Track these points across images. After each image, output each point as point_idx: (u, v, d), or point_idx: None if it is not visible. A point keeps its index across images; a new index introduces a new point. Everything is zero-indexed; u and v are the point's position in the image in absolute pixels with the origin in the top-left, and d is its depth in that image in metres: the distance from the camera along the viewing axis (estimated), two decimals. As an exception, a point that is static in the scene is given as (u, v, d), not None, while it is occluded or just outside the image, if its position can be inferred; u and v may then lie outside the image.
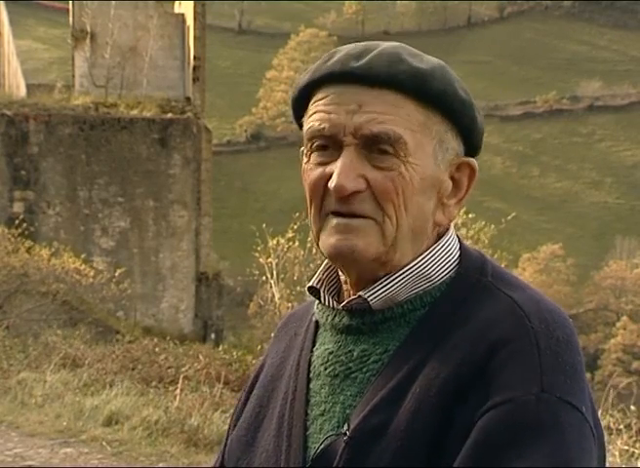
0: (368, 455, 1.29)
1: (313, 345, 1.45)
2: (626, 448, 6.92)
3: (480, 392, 1.25)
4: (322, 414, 1.38)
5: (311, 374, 1.42)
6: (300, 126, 1.42)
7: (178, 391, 9.58)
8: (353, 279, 1.39)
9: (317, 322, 1.46)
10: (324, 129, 1.34)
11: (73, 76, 29.66)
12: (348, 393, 1.37)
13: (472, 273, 1.38)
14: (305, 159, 1.39)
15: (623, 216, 74.12)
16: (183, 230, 25.67)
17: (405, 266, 1.37)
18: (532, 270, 59.72)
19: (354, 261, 1.35)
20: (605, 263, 61.81)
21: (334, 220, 1.34)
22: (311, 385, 1.41)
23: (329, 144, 1.35)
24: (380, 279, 1.37)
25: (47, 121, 24.89)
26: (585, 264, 63.34)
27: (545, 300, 1.35)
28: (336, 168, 1.33)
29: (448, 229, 1.42)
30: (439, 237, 1.40)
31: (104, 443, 8.02)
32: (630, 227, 68.88)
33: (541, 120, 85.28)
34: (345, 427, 1.33)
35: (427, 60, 1.37)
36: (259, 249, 11.88)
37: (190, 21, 28.45)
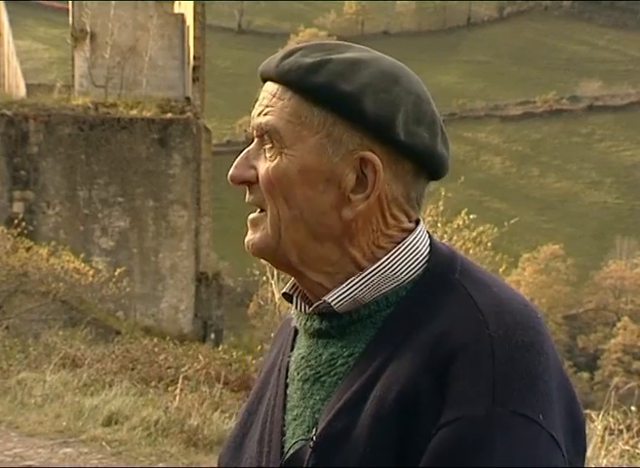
0: (333, 460, 1.28)
1: (292, 350, 1.45)
2: (627, 448, 6.92)
3: (435, 403, 1.24)
4: (295, 419, 1.38)
5: (288, 379, 1.42)
6: None
7: (177, 391, 9.58)
8: (286, 273, 1.41)
9: (296, 327, 1.47)
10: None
11: (73, 76, 29.67)
12: (317, 397, 1.36)
13: (440, 270, 1.36)
14: None
15: (623, 216, 74.16)
16: (183, 230, 25.68)
17: (367, 268, 1.36)
18: (532, 270, 59.76)
19: (257, 256, 1.40)
20: (605, 263, 61.87)
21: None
22: (287, 390, 1.41)
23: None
24: (322, 280, 1.37)
25: (46, 121, 24.90)
26: (585, 264, 63.39)
27: (510, 299, 1.32)
28: None
29: (416, 226, 1.40)
30: (405, 235, 1.38)
31: (104, 443, 8.02)
32: (630, 227, 68.93)
33: (541, 120, 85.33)
34: (314, 432, 1.32)
35: (324, 55, 1.35)
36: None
37: (190, 21, 28.46)
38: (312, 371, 1.38)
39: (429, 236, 1.42)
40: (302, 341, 1.43)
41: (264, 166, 1.35)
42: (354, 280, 1.36)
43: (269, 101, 1.36)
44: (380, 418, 1.26)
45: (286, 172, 1.34)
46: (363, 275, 1.36)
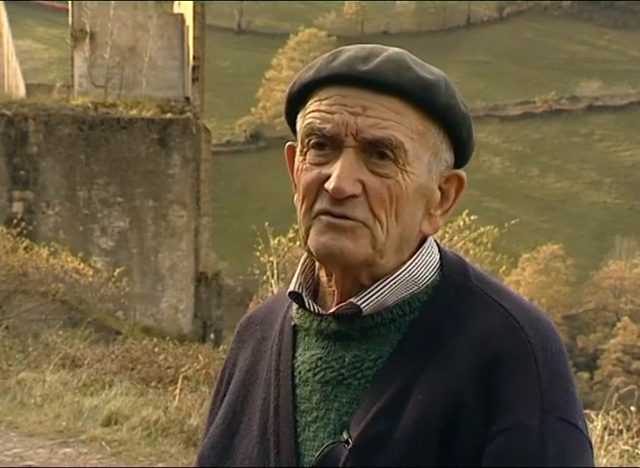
0: (373, 462, 1.29)
1: (294, 350, 1.43)
2: (627, 448, 6.92)
3: (484, 407, 1.28)
4: (315, 421, 1.37)
5: (296, 380, 1.41)
6: (291, 122, 1.42)
7: (177, 391, 9.58)
8: (338, 278, 1.38)
9: (294, 326, 1.45)
10: (325, 128, 1.33)
11: (72, 76, 29.65)
12: (343, 400, 1.36)
13: (456, 276, 1.39)
14: (300, 158, 1.38)
15: (623, 216, 74.14)
16: (183, 230, 25.67)
17: (394, 272, 1.37)
18: (531, 270, 59.76)
19: (342, 262, 1.34)
20: (604, 263, 61.86)
21: (325, 219, 1.33)
22: (298, 391, 1.40)
23: (327, 143, 1.34)
24: (366, 283, 1.37)
25: (46, 121, 24.88)
26: (585, 264, 63.38)
27: (531, 307, 1.37)
28: (335, 169, 1.32)
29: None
30: (421, 241, 1.41)
31: (104, 443, 8.01)
32: (630, 227, 68.91)
33: (541, 120, 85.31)
34: (345, 434, 1.32)
35: (432, 71, 1.37)
36: (259, 248, 11.87)
37: (190, 21, 28.44)
38: (334, 373, 1.37)
39: (436, 242, 1.45)
40: (313, 342, 1.41)
41: (378, 181, 1.32)
42: (383, 283, 1.37)
43: (386, 114, 1.32)
44: (425, 422, 1.28)
45: (406, 189, 1.33)
46: (391, 278, 1.37)
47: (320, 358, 1.39)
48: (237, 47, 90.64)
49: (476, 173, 74.16)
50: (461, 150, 1.39)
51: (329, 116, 1.33)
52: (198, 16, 28.17)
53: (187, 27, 28.80)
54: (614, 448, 6.86)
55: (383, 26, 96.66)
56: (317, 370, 1.39)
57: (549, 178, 79.48)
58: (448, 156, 1.38)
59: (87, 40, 28.80)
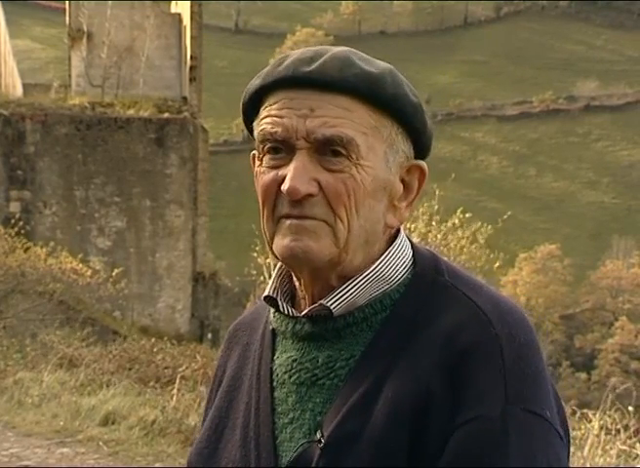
0: (344, 461, 1.30)
1: (273, 354, 1.44)
2: (624, 448, 6.91)
3: (448, 402, 1.28)
4: (291, 422, 1.38)
5: (274, 383, 1.42)
6: (250, 130, 1.43)
7: (175, 391, 9.58)
8: (307, 281, 1.38)
9: (273, 330, 1.46)
10: (276, 133, 1.34)
11: (70, 76, 29.63)
12: (317, 400, 1.37)
13: (428, 272, 1.40)
14: (258, 162, 1.39)
15: (620, 216, 74.19)
16: (180, 230, 25.66)
17: (364, 271, 1.37)
18: (529, 270, 59.77)
19: (308, 263, 1.34)
20: (602, 263, 61.86)
21: (287, 222, 1.33)
22: (275, 394, 1.41)
23: (281, 147, 1.35)
24: (335, 284, 1.37)
25: (43, 121, 24.87)
26: (582, 264, 63.40)
27: (503, 300, 1.37)
28: (289, 171, 1.33)
29: (399, 229, 1.43)
30: (391, 238, 1.41)
31: (101, 443, 8.01)
32: (627, 227, 68.96)
33: (538, 120, 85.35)
34: (319, 434, 1.33)
35: (377, 65, 1.38)
36: (257, 249, 11.87)
37: (187, 21, 28.43)
38: (308, 374, 1.38)
39: (408, 238, 1.45)
40: (289, 345, 1.42)
41: (333, 177, 1.33)
42: (352, 283, 1.37)
43: (334, 112, 1.33)
44: (394, 419, 1.29)
45: (363, 183, 1.34)
46: (360, 278, 1.38)
47: (295, 360, 1.40)
48: (235, 47, 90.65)
49: (473, 172, 74.20)
50: (418, 140, 1.40)
51: (279, 120, 1.34)
52: (195, 15, 28.16)
53: (185, 27, 28.79)
54: (611, 448, 6.86)
55: (381, 26, 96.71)
56: (292, 371, 1.40)
57: (547, 178, 79.52)
58: (405, 147, 1.38)
59: (84, 40, 28.79)
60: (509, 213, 12.43)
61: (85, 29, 28.71)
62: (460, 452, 1.25)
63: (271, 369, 1.43)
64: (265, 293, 1.44)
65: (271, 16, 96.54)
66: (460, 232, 12.05)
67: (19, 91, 32.21)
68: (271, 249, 1.38)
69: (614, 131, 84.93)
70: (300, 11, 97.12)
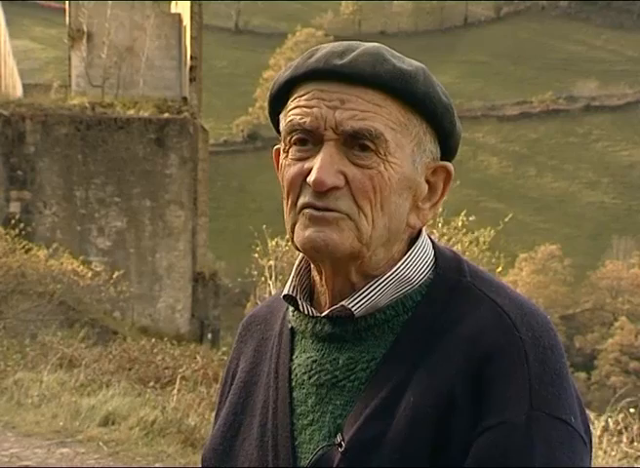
0: (365, 465, 1.28)
1: (292, 353, 1.42)
2: (627, 449, 6.90)
3: (472, 407, 1.26)
4: (310, 424, 1.36)
5: (293, 383, 1.40)
6: (275, 123, 1.42)
7: (175, 391, 9.58)
8: (328, 274, 1.36)
9: (292, 329, 1.44)
10: (305, 122, 1.33)
11: (70, 76, 29.63)
12: (337, 402, 1.35)
13: (450, 273, 1.38)
14: (283, 154, 1.38)
15: (620, 217, 74.19)
16: (180, 230, 25.66)
17: (386, 272, 1.36)
18: (529, 270, 59.79)
19: (329, 254, 1.32)
20: (601, 263, 61.88)
21: (308, 213, 1.32)
22: (294, 394, 1.39)
23: (308, 139, 1.34)
24: (355, 279, 1.36)
25: (43, 121, 24.87)
26: (582, 264, 63.40)
27: (526, 302, 1.36)
28: (315, 162, 1.31)
29: (421, 230, 1.41)
30: (412, 239, 1.39)
31: (101, 443, 8.01)
32: (627, 227, 68.97)
33: (538, 120, 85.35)
34: (339, 437, 1.32)
35: (409, 62, 1.37)
36: (257, 249, 11.85)
37: (187, 21, 28.44)
38: (328, 376, 1.37)
39: (430, 239, 1.43)
40: (309, 345, 1.41)
41: (360, 172, 1.31)
42: (374, 284, 1.36)
43: (364, 106, 1.32)
44: (417, 424, 1.27)
45: (390, 180, 1.32)
46: (382, 279, 1.36)
47: (315, 360, 1.38)
48: (234, 47, 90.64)
49: (474, 173, 74.19)
50: (446, 141, 1.38)
51: (308, 110, 1.33)
52: (195, 15, 28.17)
53: (185, 27, 28.80)
54: (612, 450, 6.85)
55: (380, 26, 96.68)
56: (312, 372, 1.38)
57: (547, 178, 79.53)
58: (433, 147, 1.37)
59: (84, 40, 28.79)
60: (510, 215, 12.40)
61: (85, 29, 28.71)
62: (484, 459, 1.24)
63: (290, 368, 1.41)
64: (285, 292, 1.42)
65: (271, 16, 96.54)
66: (462, 236, 12.04)
67: (19, 91, 32.21)
68: (292, 240, 1.36)
69: (614, 131, 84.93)
70: (300, 11, 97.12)
